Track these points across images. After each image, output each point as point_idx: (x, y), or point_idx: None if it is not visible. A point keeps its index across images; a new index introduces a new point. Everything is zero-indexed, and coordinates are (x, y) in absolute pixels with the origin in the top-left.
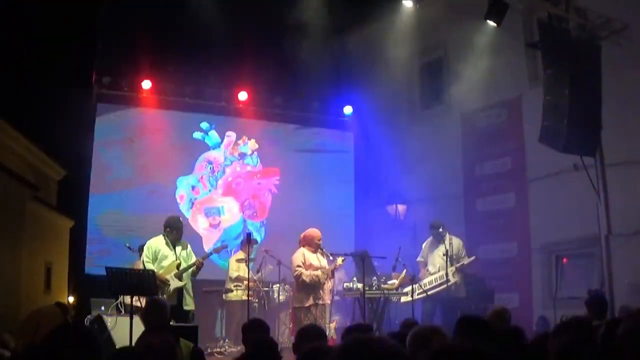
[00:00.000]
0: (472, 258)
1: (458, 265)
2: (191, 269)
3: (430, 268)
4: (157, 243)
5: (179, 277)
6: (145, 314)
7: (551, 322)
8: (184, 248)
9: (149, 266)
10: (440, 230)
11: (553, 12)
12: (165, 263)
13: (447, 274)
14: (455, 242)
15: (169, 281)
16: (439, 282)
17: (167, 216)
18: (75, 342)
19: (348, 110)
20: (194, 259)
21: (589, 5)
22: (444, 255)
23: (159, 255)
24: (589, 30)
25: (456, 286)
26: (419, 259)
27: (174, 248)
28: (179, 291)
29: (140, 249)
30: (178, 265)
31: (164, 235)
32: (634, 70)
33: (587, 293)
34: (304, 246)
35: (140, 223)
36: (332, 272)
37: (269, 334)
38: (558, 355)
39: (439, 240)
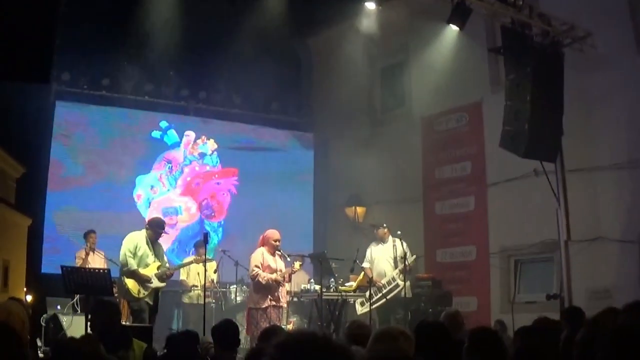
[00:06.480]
0: (414, 257)
1: (401, 267)
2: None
3: (376, 275)
4: (138, 238)
5: (160, 278)
6: (91, 316)
7: (509, 326)
8: (161, 251)
9: (130, 262)
10: (379, 230)
11: (516, 18)
12: (148, 261)
13: (394, 278)
14: (398, 245)
15: (151, 280)
16: (391, 285)
17: (124, 214)
18: None
19: (308, 111)
20: (167, 262)
21: (552, 11)
22: (389, 259)
23: (139, 251)
24: (552, 37)
25: (405, 288)
26: (364, 264)
27: (153, 248)
28: (156, 292)
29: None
30: (158, 267)
31: (146, 232)
32: (596, 77)
33: (545, 298)
34: (263, 246)
35: (96, 221)
36: (289, 276)
37: (237, 335)
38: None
39: (381, 242)
